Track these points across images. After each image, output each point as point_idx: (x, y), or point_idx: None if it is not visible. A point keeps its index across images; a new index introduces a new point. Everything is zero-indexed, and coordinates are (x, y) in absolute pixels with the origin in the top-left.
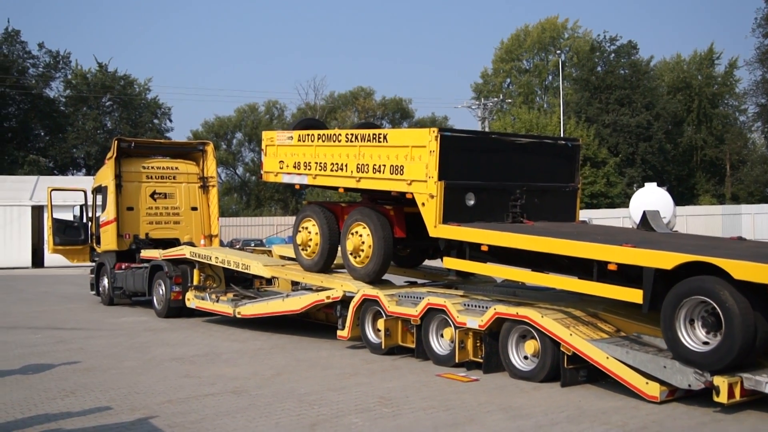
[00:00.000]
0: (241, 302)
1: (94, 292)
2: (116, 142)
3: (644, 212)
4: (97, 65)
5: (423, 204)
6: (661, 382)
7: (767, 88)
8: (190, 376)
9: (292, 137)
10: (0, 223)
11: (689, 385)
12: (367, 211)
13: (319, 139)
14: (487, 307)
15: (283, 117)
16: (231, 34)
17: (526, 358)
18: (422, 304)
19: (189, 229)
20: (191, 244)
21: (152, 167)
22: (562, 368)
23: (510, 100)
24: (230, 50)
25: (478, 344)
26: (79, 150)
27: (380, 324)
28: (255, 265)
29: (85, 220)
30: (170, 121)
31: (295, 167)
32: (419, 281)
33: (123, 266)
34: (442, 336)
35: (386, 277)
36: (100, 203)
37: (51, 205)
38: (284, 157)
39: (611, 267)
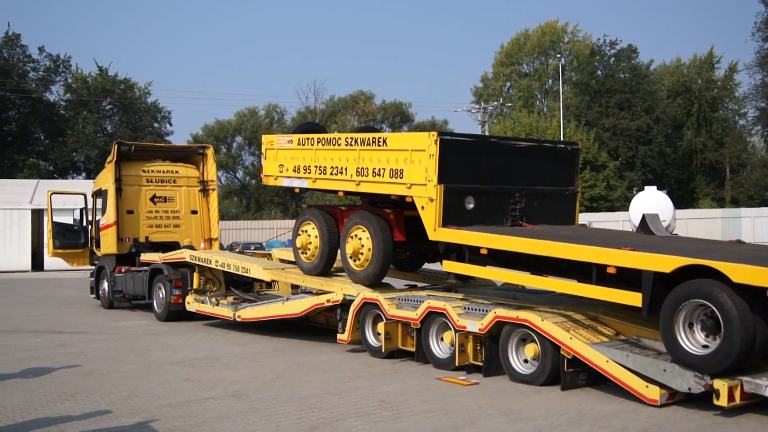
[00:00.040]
0: (241, 306)
1: (94, 296)
2: (116, 145)
3: (643, 215)
4: (98, 69)
5: (422, 207)
6: (661, 386)
7: (767, 91)
8: (190, 380)
9: (292, 141)
10: (0, 227)
11: (689, 389)
12: (367, 214)
13: (318, 142)
14: (487, 311)
15: (283, 121)
16: (231, 37)
17: (526, 361)
18: (422, 307)
19: (189, 232)
20: (191, 247)
21: (152, 171)
22: (562, 371)
23: (510, 104)
24: (230, 54)
25: (478, 348)
26: (79, 154)
27: (380, 327)
28: (255, 269)
29: (85, 224)
30: (170, 124)
31: (294, 171)
32: (419, 284)
33: (123, 270)
34: (442, 339)
35: (386, 280)
36: (100, 207)
37: (51, 208)
38: (284, 160)
39: (610, 270)
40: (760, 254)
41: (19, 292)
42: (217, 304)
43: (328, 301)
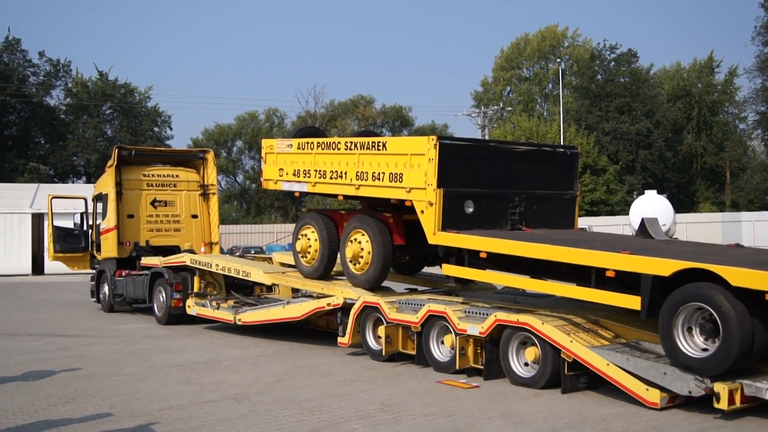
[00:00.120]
0: (242, 309)
1: (94, 299)
2: (117, 150)
3: (642, 219)
4: (98, 73)
5: (422, 211)
6: (662, 389)
7: (767, 95)
8: (191, 383)
9: (291, 145)
10: (0, 231)
11: (690, 392)
12: (367, 218)
13: (318, 146)
14: (487, 314)
15: (283, 125)
16: (231, 42)
17: (526, 364)
18: (423, 311)
19: (189, 236)
20: (192, 251)
21: (153, 175)
22: (563, 375)
23: (510, 108)
24: (230, 58)
25: (478, 351)
26: (79, 158)
27: (381, 331)
28: (255, 273)
29: (85, 228)
30: (170, 129)
31: (294, 175)
32: (419, 288)
33: (123, 273)
34: (442, 343)
35: (386, 284)
36: (101, 211)
37: (51, 212)
38: (284, 164)
39: (609, 274)
40: (758, 258)
41: (20, 296)
42: (218, 308)
43: (328, 304)
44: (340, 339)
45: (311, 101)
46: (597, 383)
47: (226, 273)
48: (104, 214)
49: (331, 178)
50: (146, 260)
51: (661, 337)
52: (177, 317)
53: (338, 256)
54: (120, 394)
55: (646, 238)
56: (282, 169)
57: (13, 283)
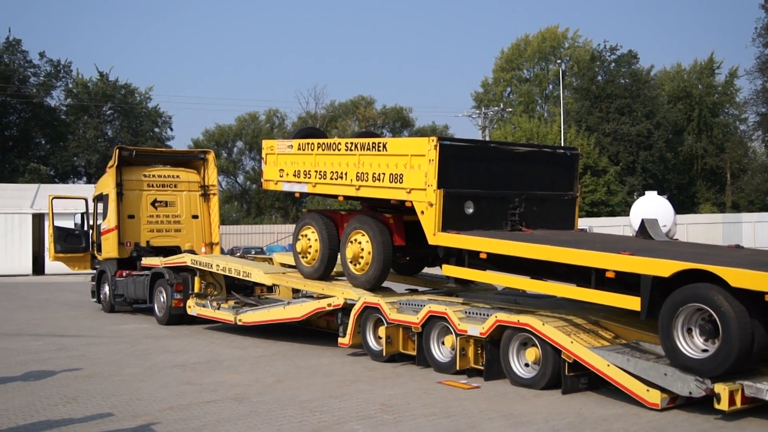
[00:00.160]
0: (242, 310)
1: (95, 300)
2: (118, 150)
3: (642, 220)
4: (98, 74)
5: (422, 212)
6: (662, 390)
7: (767, 97)
8: (192, 383)
9: (292, 146)
10: (1, 231)
11: (690, 393)
12: (367, 219)
13: (319, 147)
14: (488, 315)
15: (283, 126)
16: (232, 42)
17: (527, 365)
18: (423, 311)
19: (190, 237)
20: (192, 251)
21: (153, 176)
22: (563, 375)
23: (510, 109)
24: (231, 59)
25: (479, 351)
26: (79, 158)
27: (381, 331)
28: (256, 273)
29: (86, 228)
30: (171, 129)
31: (295, 176)
32: (420, 289)
33: (124, 274)
34: (443, 343)
35: (387, 284)
36: (101, 211)
37: (52, 213)
38: (284, 165)
39: (609, 275)
40: (758, 259)
41: (20, 296)
42: (218, 308)
43: (329, 305)
44: (340, 339)
45: (312, 102)
46: (597, 384)
47: (226, 273)
48: (105, 215)
49: (331, 178)
50: (147, 260)
51: (660, 338)
52: (177, 317)
53: (338, 256)
54: (121, 395)
55: (646, 239)
56: (282, 170)
57: (13, 283)
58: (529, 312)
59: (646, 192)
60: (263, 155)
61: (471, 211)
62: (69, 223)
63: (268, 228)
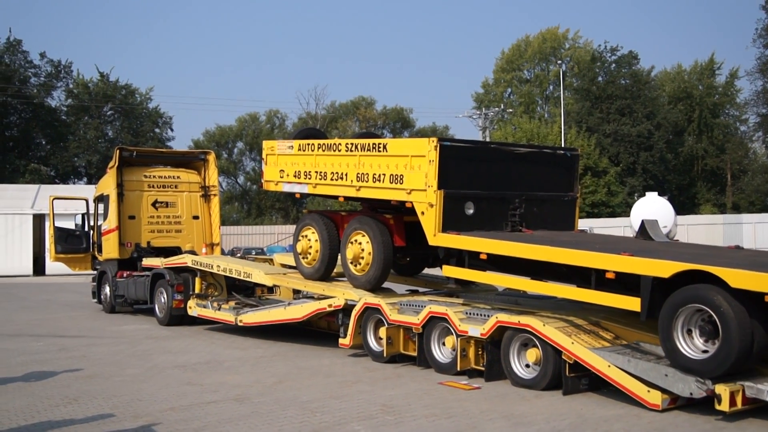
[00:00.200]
0: (243, 310)
1: (95, 300)
2: (118, 151)
3: (642, 221)
4: (99, 75)
5: (422, 213)
6: (663, 390)
7: None
8: (193, 384)
9: (292, 146)
10: (2, 232)
11: (691, 394)
12: (367, 219)
13: (319, 148)
14: (488, 316)
15: (284, 126)
16: (232, 43)
17: (527, 366)
18: (424, 312)
19: (190, 237)
20: (193, 252)
21: (154, 176)
22: (564, 376)
23: (511, 110)
24: (231, 59)
25: (479, 352)
26: (80, 159)
27: (382, 332)
28: (257, 274)
29: (86, 229)
30: (171, 130)
31: (295, 176)
32: (420, 290)
33: (125, 274)
34: (443, 344)
35: (387, 285)
36: (102, 212)
37: (53, 213)
38: (285, 166)
39: (609, 275)
40: (758, 260)
41: (21, 297)
42: (219, 309)
43: (330, 305)
44: (341, 340)
45: (312, 103)
46: (598, 385)
47: (227, 274)
48: (105, 215)
49: (331, 179)
50: (147, 261)
51: (660, 339)
52: (178, 318)
53: (339, 257)
54: (122, 395)
55: (646, 239)
56: (283, 171)
57: (14, 283)
58: (529, 313)
59: (646, 193)
60: (263, 156)
61: (471, 211)
62: (70, 224)
63: (269, 229)
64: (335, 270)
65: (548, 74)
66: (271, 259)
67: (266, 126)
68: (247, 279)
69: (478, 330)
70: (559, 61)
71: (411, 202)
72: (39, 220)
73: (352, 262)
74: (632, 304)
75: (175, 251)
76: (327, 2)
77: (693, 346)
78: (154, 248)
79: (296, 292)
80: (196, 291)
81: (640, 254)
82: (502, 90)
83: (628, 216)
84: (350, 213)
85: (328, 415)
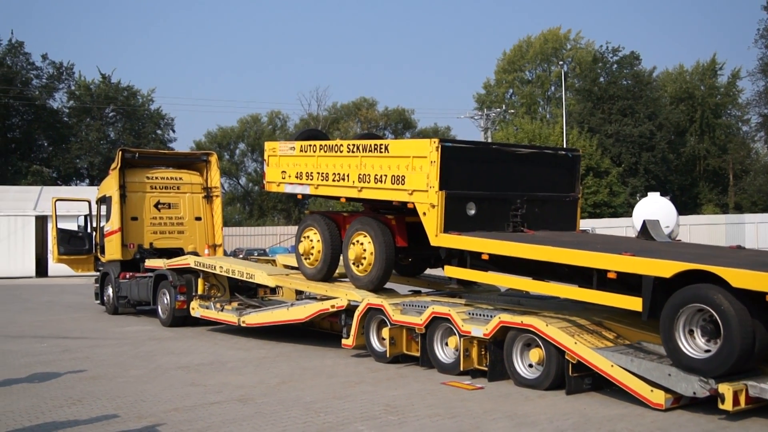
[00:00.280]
0: (246, 311)
1: (98, 302)
2: (120, 152)
3: (644, 221)
4: (101, 76)
5: (424, 213)
6: (666, 390)
7: None
8: (196, 385)
9: (294, 148)
10: (4, 233)
11: (694, 393)
12: (369, 220)
13: (321, 149)
14: (491, 316)
15: (285, 127)
16: (234, 44)
17: (530, 366)
18: (427, 312)
19: (193, 238)
20: (195, 253)
21: (156, 178)
22: (567, 376)
23: (513, 111)
24: (233, 61)
25: (482, 352)
26: (82, 160)
27: (385, 333)
28: (259, 275)
29: (89, 230)
30: (173, 131)
31: (297, 177)
32: (423, 290)
33: (127, 276)
34: (446, 344)
35: (389, 286)
36: (105, 213)
37: (55, 215)
38: (286, 167)
39: (611, 275)
40: (759, 260)
41: (24, 298)
42: (222, 310)
43: (332, 306)
44: (344, 341)
45: (314, 104)
46: (601, 384)
47: (230, 275)
48: (108, 217)
49: (333, 180)
50: (150, 262)
51: (662, 338)
52: (181, 319)
53: (341, 258)
54: (125, 396)
55: (647, 240)
56: (285, 172)
57: (16, 285)
58: (532, 313)
59: (648, 193)
60: (265, 157)
61: (473, 212)
62: (72, 225)
63: (271, 230)
64: (337, 271)
65: (550, 75)
66: (274, 260)
67: (268, 127)
68: (250, 280)
69: (481, 330)
70: (561, 62)
71: (413, 203)
72: (41, 221)
73: (354, 263)
74: (634, 304)
75: (178, 252)
76: (328, 3)
77: (695, 345)
78: (156, 249)
79: (299, 293)
80: (199, 292)
81: (641, 254)
82: (504, 91)
83: (631, 216)
84: (352, 214)
85: (331, 416)
